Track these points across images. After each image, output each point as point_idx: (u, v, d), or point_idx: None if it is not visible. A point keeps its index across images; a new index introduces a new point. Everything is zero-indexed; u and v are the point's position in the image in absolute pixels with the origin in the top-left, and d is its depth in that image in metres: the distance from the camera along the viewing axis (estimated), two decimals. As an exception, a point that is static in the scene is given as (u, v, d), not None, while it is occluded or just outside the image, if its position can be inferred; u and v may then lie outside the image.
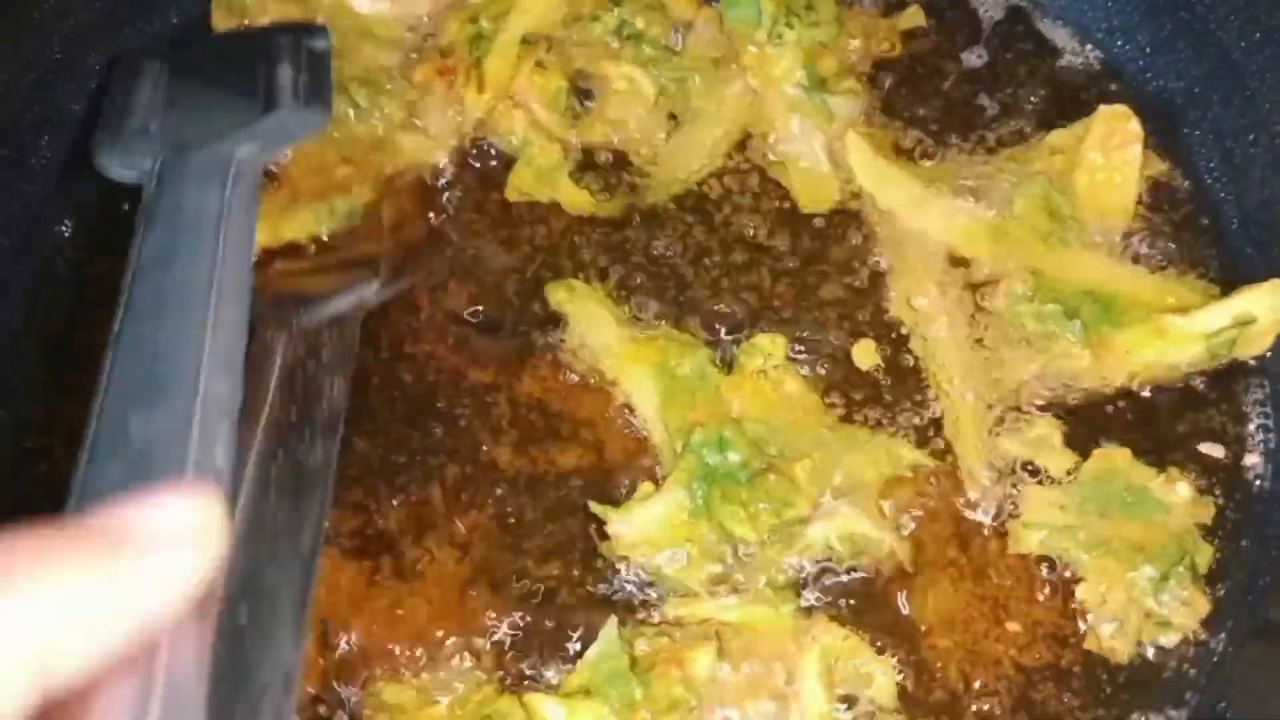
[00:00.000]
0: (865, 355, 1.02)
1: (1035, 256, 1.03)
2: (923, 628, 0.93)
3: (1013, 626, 0.94)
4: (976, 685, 0.92)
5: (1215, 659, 0.93)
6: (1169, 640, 0.93)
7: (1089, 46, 1.15)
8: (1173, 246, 1.06)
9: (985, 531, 0.96)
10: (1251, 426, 1.00)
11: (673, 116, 1.11)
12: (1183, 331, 0.99)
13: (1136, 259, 1.05)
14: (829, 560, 0.94)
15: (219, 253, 0.68)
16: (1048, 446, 0.98)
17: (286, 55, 0.93)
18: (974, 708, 0.91)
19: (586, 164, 1.10)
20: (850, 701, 0.90)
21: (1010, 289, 1.02)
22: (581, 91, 1.11)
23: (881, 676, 0.89)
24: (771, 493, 0.93)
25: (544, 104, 1.09)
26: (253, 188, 0.76)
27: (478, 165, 1.09)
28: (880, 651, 0.91)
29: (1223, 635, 0.94)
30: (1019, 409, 1.00)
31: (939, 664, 0.92)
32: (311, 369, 0.89)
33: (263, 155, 0.80)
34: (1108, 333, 1.00)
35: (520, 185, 1.08)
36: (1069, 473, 0.97)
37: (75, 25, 1.05)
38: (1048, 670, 0.92)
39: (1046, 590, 0.94)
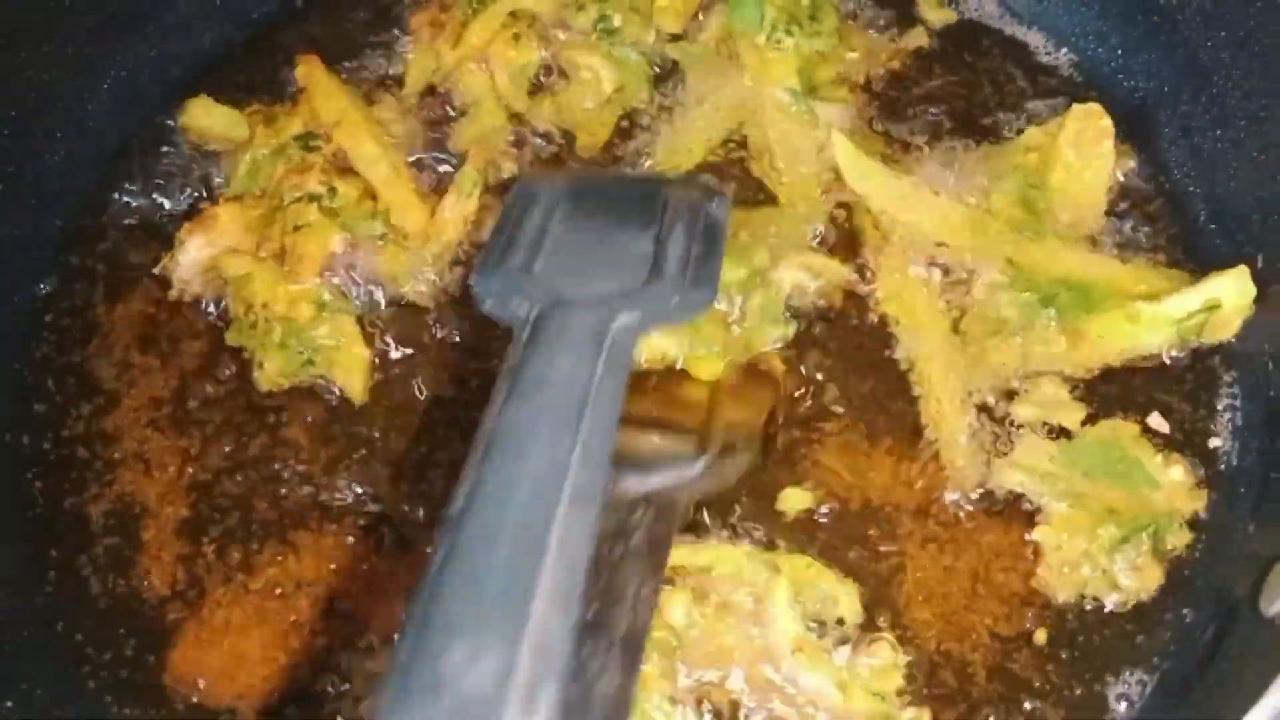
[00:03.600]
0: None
1: (1013, 248, 1.07)
2: (902, 604, 0.96)
3: (989, 600, 0.96)
4: (953, 656, 0.94)
5: (1180, 629, 0.96)
6: (1113, 602, 0.95)
7: (1064, 50, 1.20)
8: (1144, 237, 1.10)
9: (964, 512, 0.99)
10: (1220, 407, 1.03)
11: (624, 116, 1.15)
12: (1153, 317, 1.02)
13: (1109, 249, 1.08)
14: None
15: (578, 438, 0.60)
16: (1057, 403, 1.01)
17: (684, 220, 0.82)
18: (949, 677, 0.94)
19: (540, 140, 1.14)
20: (821, 624, 0.92)
21: (989, 279, 1.06)
22: (546, 72, 1.17)
23: (845, 596, 0.93)
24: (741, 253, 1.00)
25: (508, 74, 1.14)
26: (625, 365, 0.67)
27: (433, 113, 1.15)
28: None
29: (1187, 608, 0.97)
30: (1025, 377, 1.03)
31: (917, 637, 0.95)
32: (617, 556, 0.74)
33: (638, 330, 0.70)
34: (1082, 319, 1.03)
35: (461, 138, 1.13)
36: (1082, 424, 1.00)
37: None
38: (1022, 638, 0.95)
39: (1025, 562, 0.97)
